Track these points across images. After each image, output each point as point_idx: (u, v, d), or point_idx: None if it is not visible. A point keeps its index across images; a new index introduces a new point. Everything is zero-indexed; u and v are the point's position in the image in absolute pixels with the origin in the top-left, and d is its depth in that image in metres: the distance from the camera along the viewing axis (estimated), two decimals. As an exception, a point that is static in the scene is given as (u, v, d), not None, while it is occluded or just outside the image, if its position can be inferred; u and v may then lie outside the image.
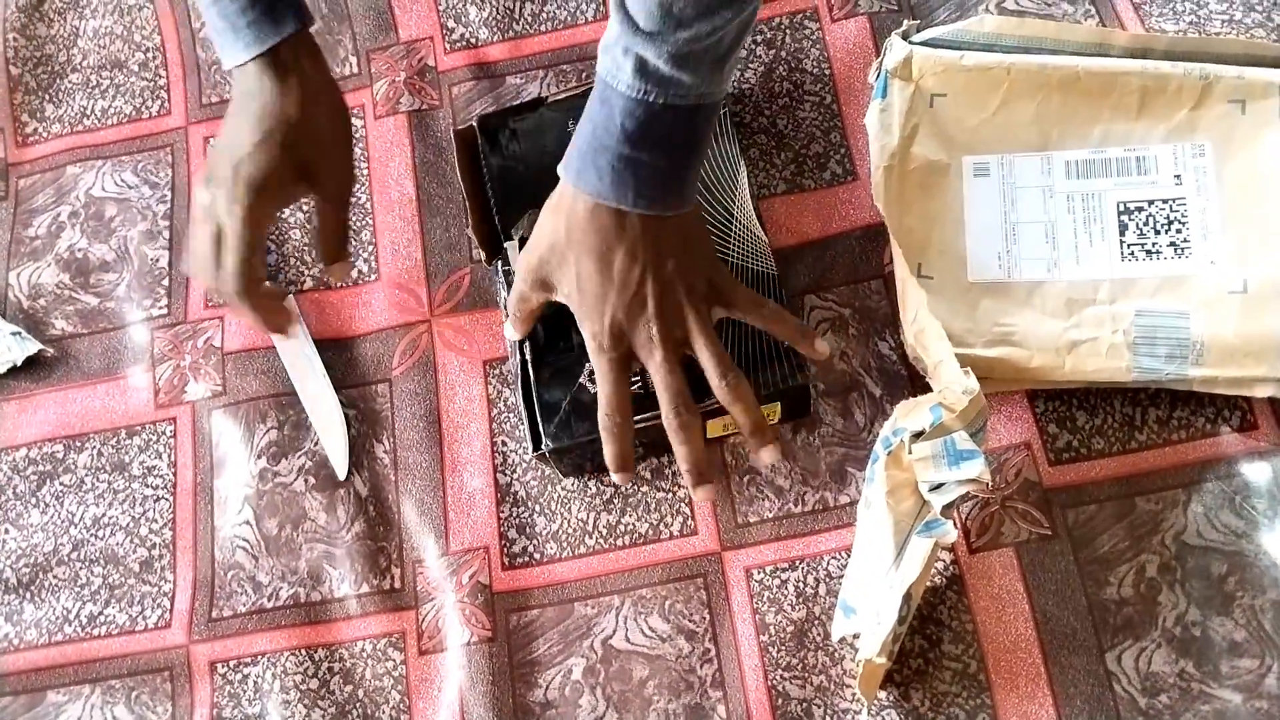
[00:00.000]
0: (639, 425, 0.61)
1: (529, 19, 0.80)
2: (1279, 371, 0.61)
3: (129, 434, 0.73)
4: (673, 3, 0.50)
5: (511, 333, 0.65)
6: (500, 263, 0.69)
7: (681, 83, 0.53)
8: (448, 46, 0.80)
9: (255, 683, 0.66)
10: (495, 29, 0.80)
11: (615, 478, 0.60)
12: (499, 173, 0.70)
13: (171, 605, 0.69)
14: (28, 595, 0.70)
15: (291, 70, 0.60)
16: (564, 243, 0.58)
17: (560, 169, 0.58)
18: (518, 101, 0.76)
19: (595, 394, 0.61)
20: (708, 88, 0.54)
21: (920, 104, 0.67)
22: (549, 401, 0.65)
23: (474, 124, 0.71)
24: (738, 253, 0.67)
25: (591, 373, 0.64)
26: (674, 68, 0.52)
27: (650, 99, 0.53)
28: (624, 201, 0.56)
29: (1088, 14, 0.75)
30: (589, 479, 0.68)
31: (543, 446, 0.64)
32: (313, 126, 0.61)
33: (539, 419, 0.65)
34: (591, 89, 0.56)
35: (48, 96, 0.84)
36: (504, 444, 0.69)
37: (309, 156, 0.62)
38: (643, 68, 0.52)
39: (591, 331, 0.59)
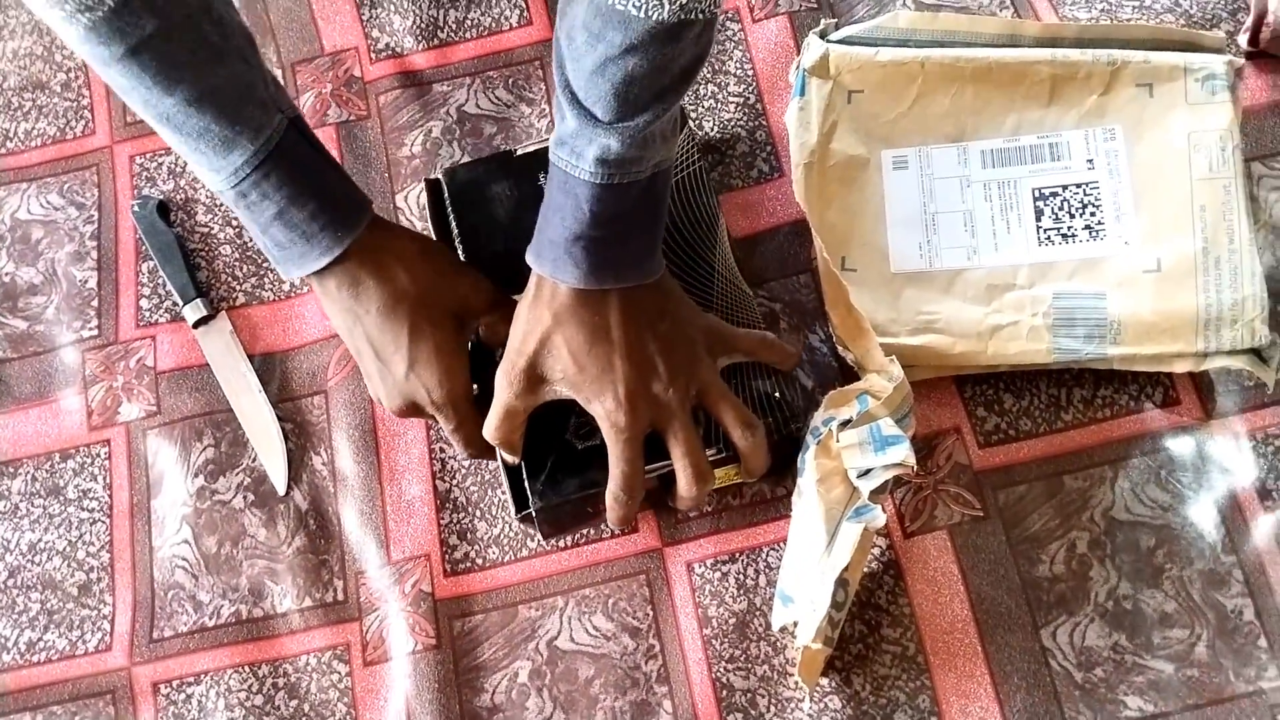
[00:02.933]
0: (647, 475, 0.60)
1: (453, 26, 0.80)
2: (1195, 346, 0.63)
3: (63, 457, 0.72)
4: (627, 91, 0.50)
5: (511, 457, 0.61)
6: None
7: (641, 159, 0.53)
8: (373, 56, 0.80)
9: (199, 702, 0.66)
10: (420, 37, 0.80)
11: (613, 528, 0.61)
12: (466, 225, 0.68)
13: (112, 628, 0.68)
14: (-37, 625, 0.69)
15: (385, 249, 0.59)
16: (550, 329, 0.57)
17: (531, 261, 0.57)
18: (487, 154, 0.75)
19: (584, 449, 0.61)
20: (663, 154, 0.55)
21: (838, 100, 0.68)
22: (530, 458, 0.62)
23: (440, 175, 0.69)
24: (721, 306, 0.66)
25: (579, 427, 0.62)
26: (636, 149, 0.52)
27: (614, 181, 0.53)
28: (605, 282, 0.56)
29: (1002, 4, 0.76)
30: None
31: (529, 507, 0.61)
32: (428, 286, 0.60)
33: (523, 477, 0.62)
34: None
35: (-31, 120, 0.83)
36: (441, 450, 0.69)
37: (456, 302, 0.61)
38: (604, 156, 0.52)
39: (606, 409, 0.57)
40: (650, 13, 0.47)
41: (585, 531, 0.67)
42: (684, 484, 0.59)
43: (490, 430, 0.60)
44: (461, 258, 0.67)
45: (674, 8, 0.47)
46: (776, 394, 0.63)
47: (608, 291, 0.57)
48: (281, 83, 0.57)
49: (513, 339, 0.59)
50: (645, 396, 0.57)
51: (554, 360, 0.58)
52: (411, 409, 0.62)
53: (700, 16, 0.48)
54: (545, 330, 0.57)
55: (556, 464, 0.62)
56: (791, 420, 0.63)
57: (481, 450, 0.63)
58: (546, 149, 0.69)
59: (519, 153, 0.69)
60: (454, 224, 0.68)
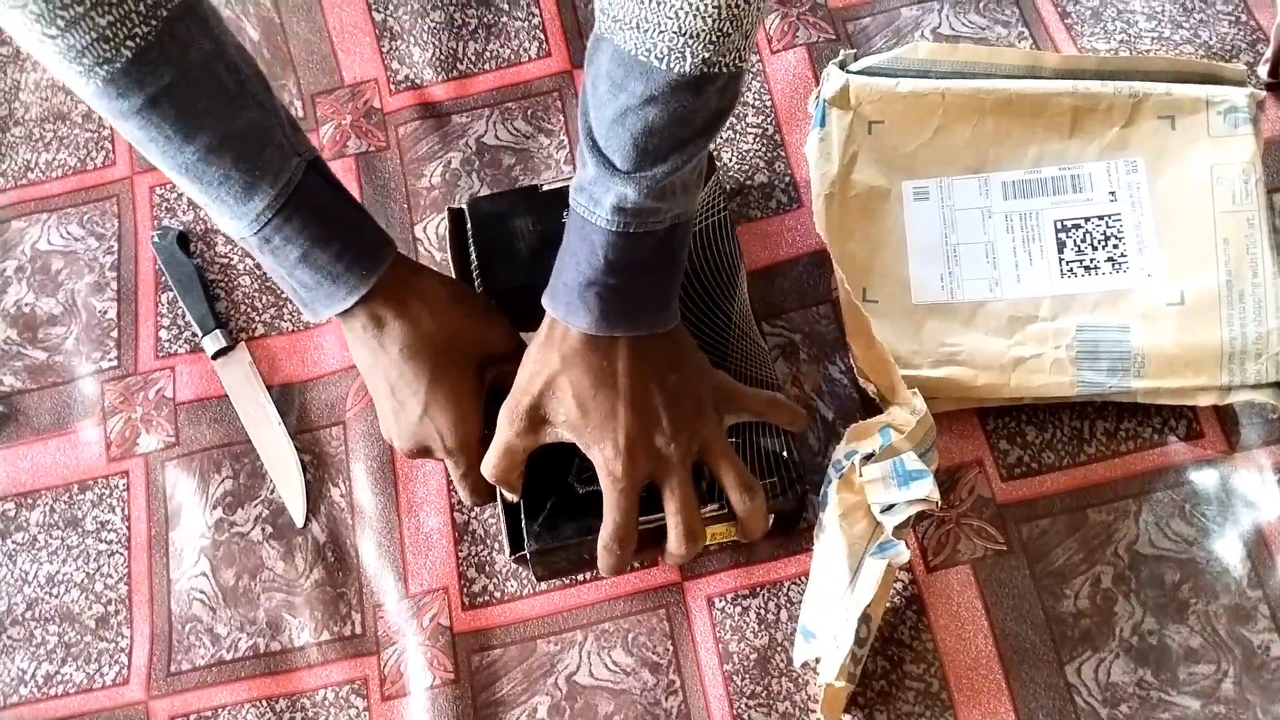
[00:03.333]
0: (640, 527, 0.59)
1: (472, 58, 0.81)
2: (1219, 380, 0.62)
3: (81, 489, 0.72)
4: (646, 142, 0.49)
5: (511, 496, 0.61)
6: None
7: (659, 210, 0.53)
8: (392, 88, 0.81)
9: (216, 736, 0.65)
10: (439, 69, 0.80)
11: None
12: (486, 257, 0.67)
13: (129, 661, 0.68)
14: (-19, 658, 0.69)
15: (410, 290, 0.59)
16: (557, 371, 0.57)
17: (546, 303, 0.57)
18: (507, 186, 0.75)
19: (585, 494, 0.60)
20: (683, 208, 0.54)
21: (859, 131, 0.68)
22: (530, 498, 0.61)
23: (464, 205, 0.69)
24: (737, 360, 0.65)
25: (581, 471, 0.61)
26: (654, 199, 0.52)
27: (630, 230, 0.53)
28: (616, 330, 0.56)
29: (1021, 36, 0.76)
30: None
31: (524, 548, 0.61)
32: (453, 331, 0.60)
33: (521, 517, 0.61)
34: None
35: (-10, 151, 0.83)
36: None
37: (479, 348, 0.61)
38: (621, 204, 0.52)
39: (604, 457, 0.57)
40: (672, 65, 0.46)
41: (593, 573, 0.66)
42: (674, 541, 0.59)
43: (488, 466, 0.59)
44: (478, 288, 0.67)
45: (696, 61, 0.46)
46: (784, 453, 0.62)
47: (618, 339, 0.56)
48: (299, 123, 0.57)
49: (520, 377, 0.59)
50: (645, 448, 0.57)
51: (557, 403, 0.57)
52: (423, 451, 0.62)
53: (724, 70, 0.47)
54: (552, 372, 0.57)
55: (556, 507, 0.61)
56: (796, 482, 0.62)
57: (485, 498, 0.63)
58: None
59: (544, 188, 0.69)
60: (474, 255, 0.68)
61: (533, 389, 0.58)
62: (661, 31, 0.46)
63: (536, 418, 0.58)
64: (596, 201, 0.52)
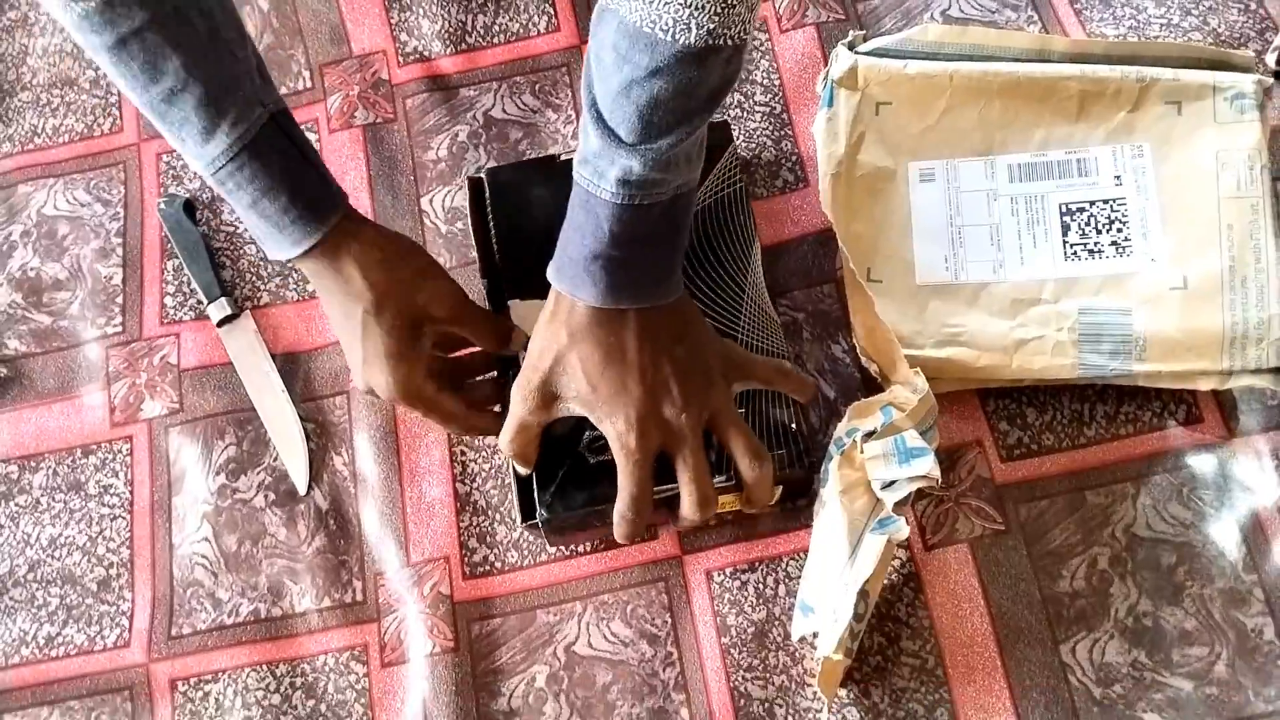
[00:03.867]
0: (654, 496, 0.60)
1: (481, 31, 0.81)
2: (1220, 365, 0.63)
3: (85, 453, 0.73)
4: (651, 114, 0.49)
5: (524, 469, 0.62)
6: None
7: (663, 181, 0.53)
8: (401, 60, 0.81)
9: (216, 700, 0.66)
10: (448, 42, 0.80)
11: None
12: (505, 225, 0.68)
13: (130, 624, 0.68)
14: (-17, 618, 0.69)
15: (345, 250, 0.59)
16: (566, 347, 0.57)
17: (551, 277, 0.57)
18: (531, 156, 0.75)
19: (595, 463, 0.61)
20: (685, 178, 0.55)
21: (866, 112, 0.69)
22: (542, 467, 0.62)
23: (483, 174, 0.70)
24: (747, 330, 0.66)
25: (592, 441, 0.62)
26: (659, 171, 0.52)
27: (635, 202, 0.53)
28: (621, 302, 0.56)
29: (1030, 20, 0.76)
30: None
31: (535, 517, 0.61)
32: (382, 292, 0.60)
33: (533, 486, 0.62)
34: None
35: (-3, 115, 0.83)
36: (462, 453, 0.70)
37: (411, 310, 0.61)
38: (626, 176, 0.52)
39: (616, 431, 0.57)
40: (677, 36, 0.47)
41: (605, 537, 0.67)
42: (688, 508, 0.59)
43: (504, 443, 0.60)
44: (498, 257, 0.67)
45: (701, 33, 0.46)
46: (793, 425, 0.63)
47: (625, 311, 0.57)
48: (269, 74, 0.58)
49: (530, 354, 0.59)
50: (657, 420, 0.58)
51: (568, 378, 0.58)
52: (374, 395, 0.64)
53: (729, 43, 0.48)
54: (561, 348, 0.57)
55: (567, 476, 0.62)
56: (806, 454, 0.62)
57: (467, 429, 0.66)
58: None
59: (562, 158, 0.69)
60: (492, 224, 0.68)
61: (542, 365, 0.58)
62: (667, 3, 0.46)
63: (548, 394, 0.59)
64: (601, 174, 0.53)
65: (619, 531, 0.60)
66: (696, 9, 0.46)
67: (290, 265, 0.71)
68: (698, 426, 0.58)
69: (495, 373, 0.68)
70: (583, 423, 0.60)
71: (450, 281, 0.64)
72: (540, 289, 0.63)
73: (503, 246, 0.68)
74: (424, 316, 0.62)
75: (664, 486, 0.60)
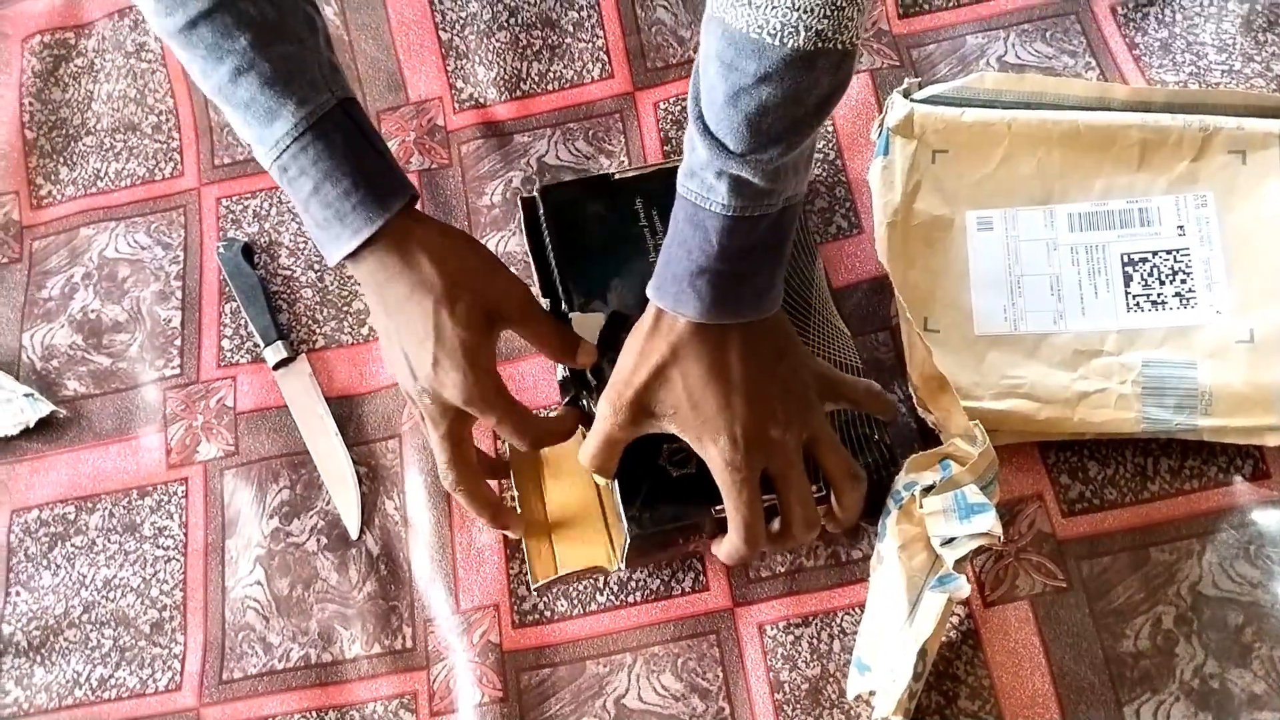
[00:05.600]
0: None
1: (536, 78, 0.81)
2: (1289, 420, 0.61)
3: (140, 494, 0.73)
4: (760, 122, 0.49)
5: (604, 481, 0.62)
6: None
7: (772, 193, 0.53)
8: (456, 106, 0.82)
9: (266, 745, 0.66)
10: (503, 88, 0.81)
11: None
12: (561, 244, 0.67)
13: (182, 667, 0.68)
14: (38, 658, 0.70)
15: (411, 237, 0.57)
16: (666, 363, 0.56)
17: (652, 294, 0.56)
18: (586, 176, 0.75)
19: (678, 476, 0.61)
20: (794, 190, 0.54)
21: (923, 160, 0.68)
22: (624, 483, 0.61)
23: (535, 193, 0.69)
24: (817, 343, 0.66)
25: (674, 454, 0.61)
26: (768, 181, 0.52)
27: (745, 214, 0.52)
28: (725, 317, 0.55)
29: (1088, 66, 0.76)
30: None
31: (627, 532, 0.60)
32: (454, 281, 0.58)
33: (617, 499, 0.61)
34: (661, 168, 0.58)
35: (62, 159, 0.85)
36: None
37: (485, 302, 0.59)
38: (737, 187, 0.52)
39: (719, 449, 0.56)
40: (785, 40, 0.46)
41: (654, 587, 0.66)
42: (799, 529, 0.58)
43: (587, 456, 0.59)
44: (556, 275, 0.66)
45: (810, 35, 0.46)
46: (875, 436, 0.63)
47: (728, 328, 0.56)
48: (341, 68, 0.59)
49: (621, 368, 0.58)
50: (761, 440, 0.57)
51: (666, 394, 0.57)
52: (439, 402, 0.60)
53: (838, 47, 0.47)
54: (660, 362, 0.56)
55: (652, 490, 0.61)
56: (890, 463, 0.63)
57: (536, 440, 0.62)
58: (645, 175, 0.69)
59: (617, 177, 0.69)
60: (548, 240, 0.67)
61: (637, 380, 0.57)
62: (774, 7, 0.46)
63: (641, 409, 0.57)
64: (710, 187, 0.52)
65: (734, 556, 0.59)
66: (805, 11, 0.46)
67: (348, 275, 0.70)
68: (799, 446, 0.58)
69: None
70: (659, 436, 0.59)
71: (520, 280, 0.62)
72: (596, 301, 0.62)
73: (560, 263, 0.67)
74: (497, 312, 0.59)
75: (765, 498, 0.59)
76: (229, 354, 0.76)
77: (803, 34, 0.46)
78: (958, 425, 0.61)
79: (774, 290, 0.57)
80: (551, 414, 0.65)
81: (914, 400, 0.66)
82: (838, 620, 0.64)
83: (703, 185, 0.52)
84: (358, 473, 0.71)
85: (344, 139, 0.56)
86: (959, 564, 0.57)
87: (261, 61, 0.54)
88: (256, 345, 0.76)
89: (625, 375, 0.57)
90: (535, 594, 0.67)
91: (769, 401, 0.57)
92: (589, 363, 0.63)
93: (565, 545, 0.66)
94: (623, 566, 0.64)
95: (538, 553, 0.66)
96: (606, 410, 0.58)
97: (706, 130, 0.51)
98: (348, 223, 0.56)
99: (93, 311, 0.79)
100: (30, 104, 0.87)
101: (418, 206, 0.60)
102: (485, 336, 0.59)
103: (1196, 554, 0.63)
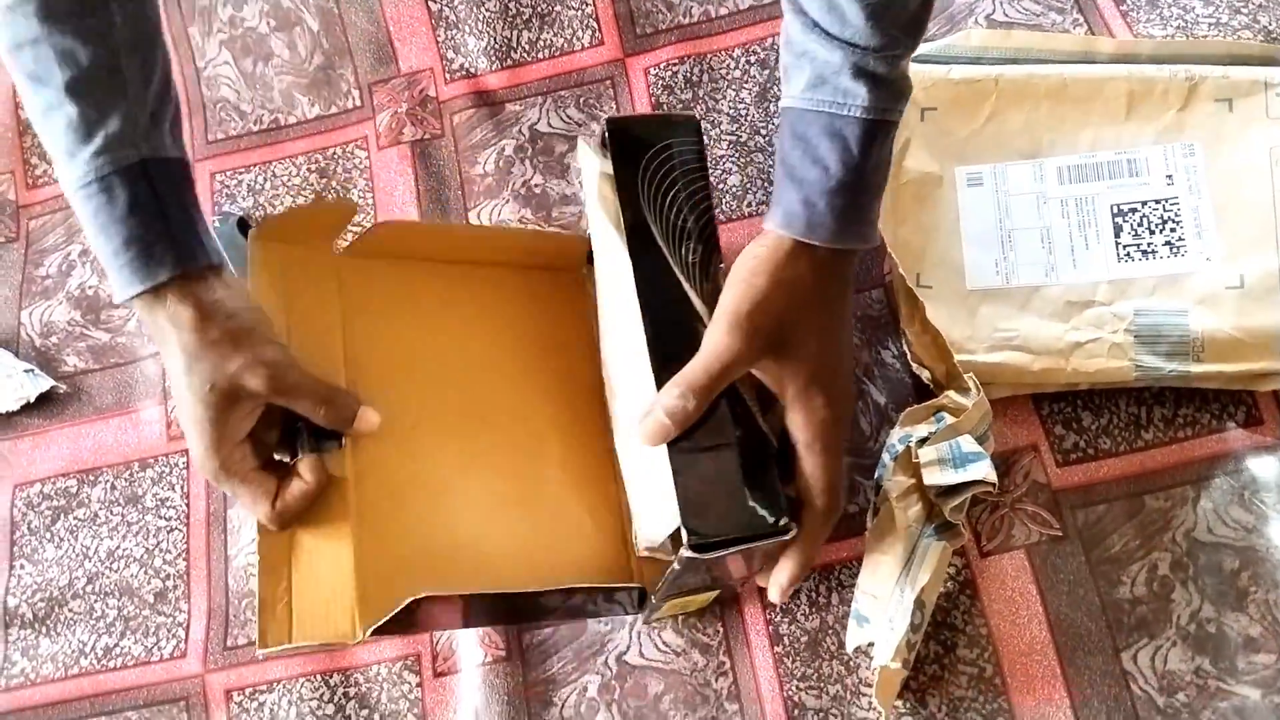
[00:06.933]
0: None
1: (526, 47, 0.82)
2: (1280, 365, 0.61)
3: (141, 467, 0.74)
4: (887, 12, 0.50)
5: (660, 440, 0.54)
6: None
7: (903, 95, 0.53)
8: (448, 77, 0.82)
9: (271, 710, 0.66)
10: (494, 58, 0.81)
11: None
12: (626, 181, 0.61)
13: (186, 635, 0.69)
14: (44, 629, 0.70)
15: (160, 308, 0.54)
16: (804, 290, 0.54)
17: (776, 226, 0.54)
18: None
19: (750, 470, 0.53)
20: (905, 108, 0.54)
21: (911, 118, 0.68)
22: (684, 475, 0.53)
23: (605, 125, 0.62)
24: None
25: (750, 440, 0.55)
26: (900, 78, 0.52)
27: (886, 117, 0.52)
28: (853, 240, 0.54)
29: (1076, 23, 0.76)
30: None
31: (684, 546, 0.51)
32: (206, 353, 0.54)
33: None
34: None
35: (56, 140, 0.85)
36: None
37: (222, 379, 0.55)
38: (875, 86, 0.51)
39: (829, 399, 0.54)
40: None
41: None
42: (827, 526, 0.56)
43: (690, 386, 0.53)
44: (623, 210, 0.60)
45: None
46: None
47: (847, 262, 0.55)
48: (178, 126, 0.57)
49: (748, 291, 0.54)
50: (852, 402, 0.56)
51: (801, 320, 0.54)
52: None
53: None
54: (795, 286, 0.54)
55: (718, 486, 0.52)
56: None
57: (282, 518, 0.57)
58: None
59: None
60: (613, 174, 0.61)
61: (772, 305, 0.53)
62: None
63: (769, 339, 0.54)
64: (846, 91, 0.52)
65: (800, 564, 0.55)
66: None
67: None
68: None
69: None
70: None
71: (275, 348, 0.56)
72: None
73: (625, 205, 0.60)
74: (238, 389, 0.55)
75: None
76: (226, 326, 0.77)
77: None
78: (952, 379, 0.61)
79: (878, 219, 0.56)
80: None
81: (908, 356, 0.66)
82: (835, 574, 0.65)
83: (837, 91, 0.52)
84: (357, 440, 0.72)
85: (128, 199, 0.53)
86: (955, 513, 0.57)
87: (71, 104, 0.53)
88: (253, 317, 0.76)
89: (756, 299, 0.53)
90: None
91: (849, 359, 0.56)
92: (371, 428, 0.58)
93: (306, 609, 0.57)
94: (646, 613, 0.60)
95: (272, 611, 0.56)
96: (727, 339, 0.53)
97: (829, 36, 0.51)
98: (114, 277, 0.55)
99: (90, 288, 0.80)
100: (23, 85, 0.87)
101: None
102: (223, 412, 0.55)
103: (1191, 501, 0.63)
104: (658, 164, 0.60)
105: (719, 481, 0.52)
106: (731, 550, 0.51)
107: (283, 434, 0.58)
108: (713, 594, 0.62)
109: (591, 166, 0.63)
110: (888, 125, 0.53)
